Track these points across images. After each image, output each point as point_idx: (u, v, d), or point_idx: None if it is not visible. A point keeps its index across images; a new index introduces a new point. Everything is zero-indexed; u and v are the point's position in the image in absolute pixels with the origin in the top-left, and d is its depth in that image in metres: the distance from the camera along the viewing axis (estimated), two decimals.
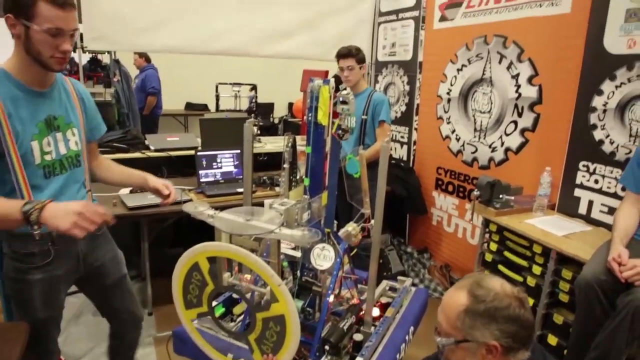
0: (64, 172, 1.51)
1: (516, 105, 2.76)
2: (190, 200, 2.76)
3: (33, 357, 1.60)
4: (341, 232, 1.64)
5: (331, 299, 1.61)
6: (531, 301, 2.13)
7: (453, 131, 3.28)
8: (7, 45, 1.43)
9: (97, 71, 4.61)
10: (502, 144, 2.89)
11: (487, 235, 2.52)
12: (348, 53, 2.91)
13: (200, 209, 1.39)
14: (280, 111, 7.61)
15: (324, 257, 1.56)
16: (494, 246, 2.44)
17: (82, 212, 1.21)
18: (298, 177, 1.73)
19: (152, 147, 3.28)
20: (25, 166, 1.38)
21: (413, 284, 2.26)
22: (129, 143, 3.25)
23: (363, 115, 2.97)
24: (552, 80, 2.54)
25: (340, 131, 1.57)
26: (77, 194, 1.57)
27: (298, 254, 1.65)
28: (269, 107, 7.40)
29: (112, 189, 2.76)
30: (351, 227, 1.63)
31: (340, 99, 1.54)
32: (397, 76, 3.88)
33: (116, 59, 4.91)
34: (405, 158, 3.83)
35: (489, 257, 2.47)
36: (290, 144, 1.68)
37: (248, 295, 1.38)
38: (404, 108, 3.80)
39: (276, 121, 7.36)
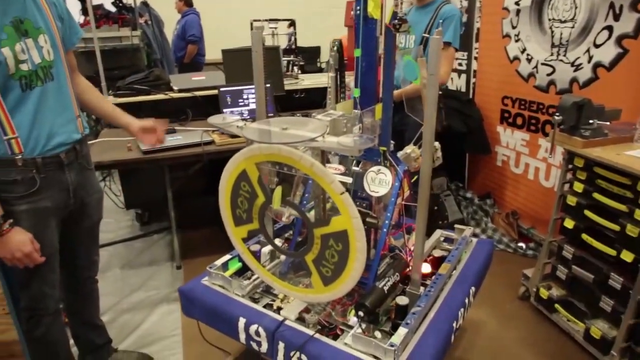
0: (40, 84, 1.32)
1: (612, 5, 2.13)
2: (212, 141, 2.45)
3: (25, 301, 1.44)
4: (399, 154, 1.39)
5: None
6: (631, 256, 1.66)
7: (523, 50, 2.69)
8: None
9: (122, 14, 4.31)
10: (590, 59, 2.28)
11: (569, 174, 2.02)
12: None
13: (228, 120, 1.27)
14: (327, 55, 7.18)
15: (379, 182, 1.32)
16: (579, 186, 1.94)
17: (21, 258, 1.29)
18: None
19: (175, 88, 2.98)
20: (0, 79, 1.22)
21: (474, 235, 1.89)
22: (151, 84, 2.97)
23: (425, 32, 2.34)
24: None
25: (396, 21, 1.24)
26: (62, 115, 1.38)
27: (349, 179, 1.38)
28: (314, 51, 7.06)
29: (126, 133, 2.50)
30: (410, 149, 1.39)
31: None
32: None
33: (144, 1, 4.61)
34: (463, 89, 3.28)
35: (572, 201, 1.98)
36: (335, 48, 1.42)
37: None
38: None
39: (323, 66, 6.97)
